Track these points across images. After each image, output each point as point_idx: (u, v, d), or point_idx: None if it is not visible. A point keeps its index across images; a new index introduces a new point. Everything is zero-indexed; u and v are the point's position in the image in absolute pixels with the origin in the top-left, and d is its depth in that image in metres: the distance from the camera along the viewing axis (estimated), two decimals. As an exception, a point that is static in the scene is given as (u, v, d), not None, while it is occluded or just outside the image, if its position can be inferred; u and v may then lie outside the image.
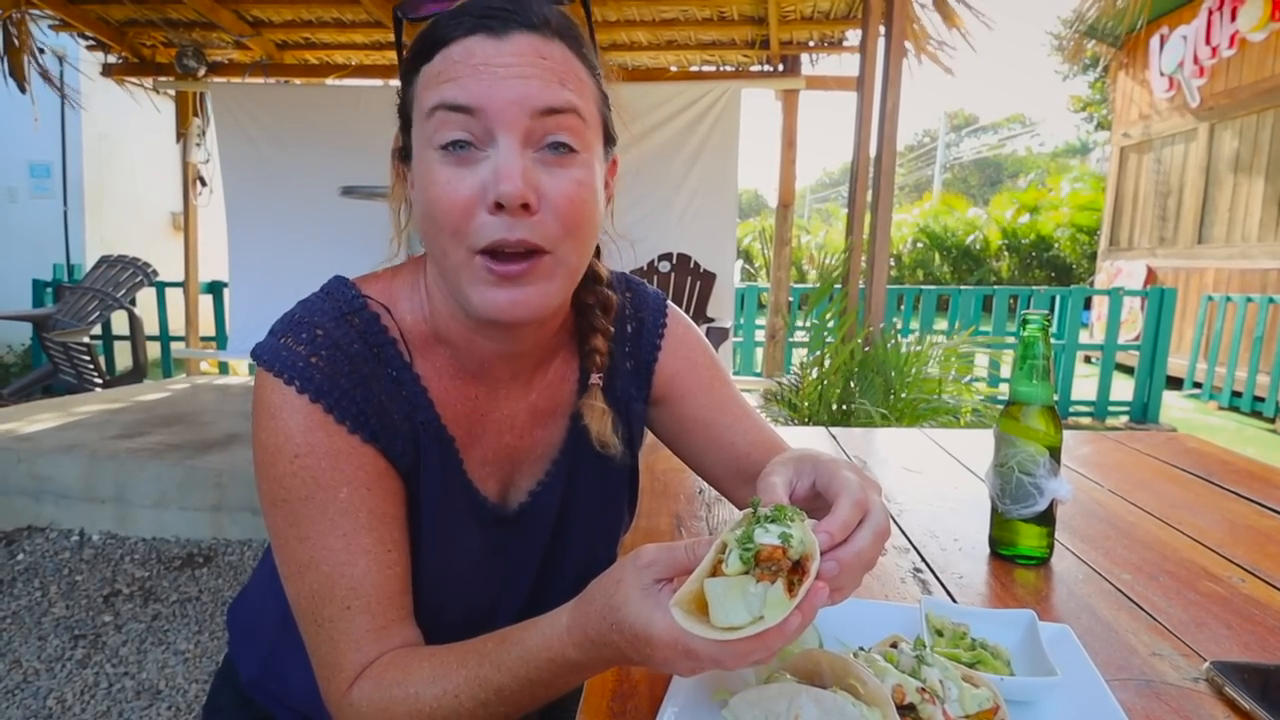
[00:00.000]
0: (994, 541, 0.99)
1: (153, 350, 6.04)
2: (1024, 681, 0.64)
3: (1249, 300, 6.16)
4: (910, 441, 1.60)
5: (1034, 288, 6.92)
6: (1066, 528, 1.08)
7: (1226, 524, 1.11)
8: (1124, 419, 5.77)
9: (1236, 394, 6.22)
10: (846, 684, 0.57)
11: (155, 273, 5.34)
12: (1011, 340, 5.62)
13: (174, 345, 6.06)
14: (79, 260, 6.77)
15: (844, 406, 3.40)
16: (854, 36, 4.78)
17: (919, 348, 3.65)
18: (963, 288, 6.22)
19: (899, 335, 3.84)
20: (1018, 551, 0.96)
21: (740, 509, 0.87)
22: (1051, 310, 6.24)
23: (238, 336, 5.44)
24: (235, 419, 3.86)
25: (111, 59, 5.52)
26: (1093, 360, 6.81)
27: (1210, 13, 7.03)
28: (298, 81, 5.72)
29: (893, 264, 15.37)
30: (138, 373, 5.26)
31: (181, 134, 5.56)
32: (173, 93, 5.56)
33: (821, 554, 0.52)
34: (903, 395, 3.35)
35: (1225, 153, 7.17)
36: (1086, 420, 5.77)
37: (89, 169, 7.08)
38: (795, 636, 0.50)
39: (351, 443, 0.68)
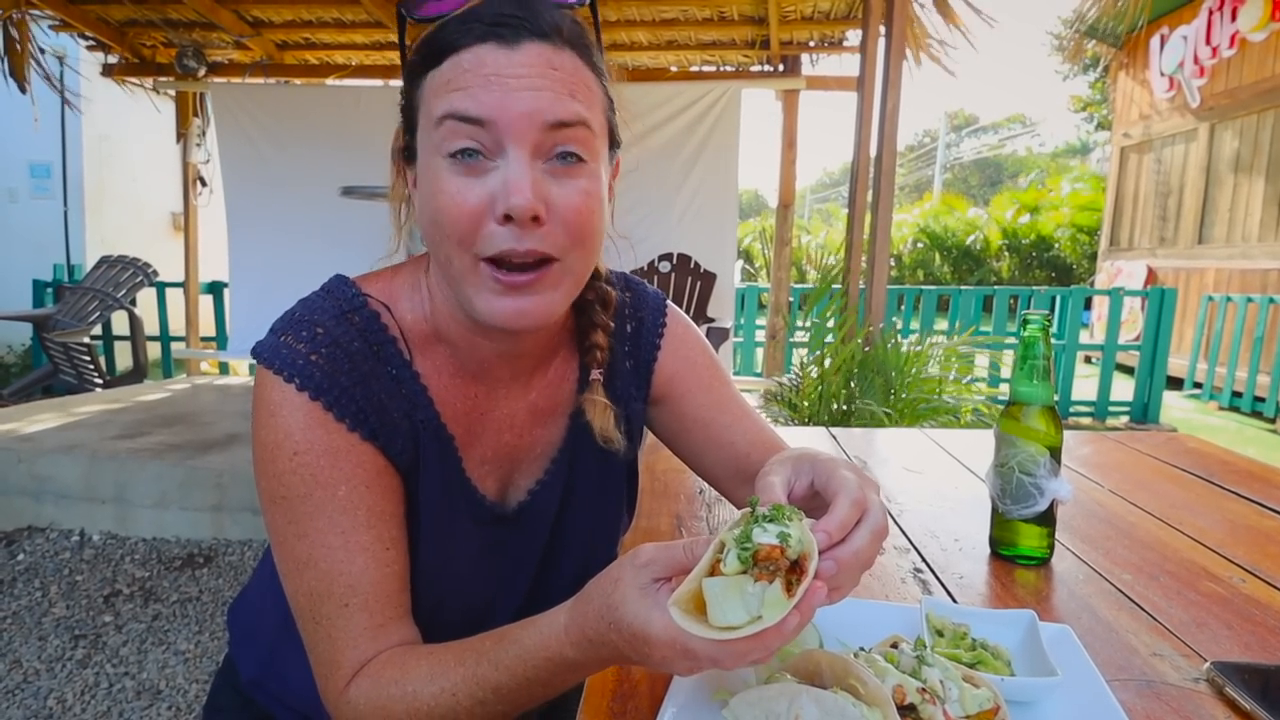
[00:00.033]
0: (994, 542, 0.99)
1: (153, 350, 6.04)
2: (1024, 682, 0.64)
3: (1249, 300, 6.16)
4: (910, 441, 1.60)
5: (1034, 288, 6.92)
6: (1067, 528, 1.08)
7: (1227, 524, 1.11)
8: (1124, 419, 5.77)
9: (1237, 394, 6.22)
10: (847, 684, 0.56)
11: (155, 273, 5.34)
12: (1012, 340, 5.62)
13: (174, 345, 6.07)
14: (79, 260, 6.78)
15: (844, 407, 3.40)
16: (854, 37, 4.78)
17: (919, 348, 3.65)
18: (963, 288, 6.22)
19: (899, 335, 3.84)
20: (1018, 552, 0.96)
21: (740, 509, 0.87)
22: (1052, 310, 6.24)
23: (238, 336, 5.45)
24: (235, 419, 3.86)
25: (112, 59, 5.52)
26: (1093, 360, 6.81)
27: (1210, 13, 7.03)
28: (298, 82, 5.72)
29: (893, 264, 15.40)
30: (138, 373, 5.26)
31: (181, 134, 5.57)
32: (173, 93, 5.57)
33: (819, 553, 0.52)
34: (903, 395, 3.35)
35: (1226, 153, 7.17)
36: (1087, 420, 5.77)
37: (89, 169, 7.08)
38: (793, 636, 0.50)
39: (350, 440, 0.68)
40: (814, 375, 3.57)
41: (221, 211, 5.41)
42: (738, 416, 0.87)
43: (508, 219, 0.62)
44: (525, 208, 0.61)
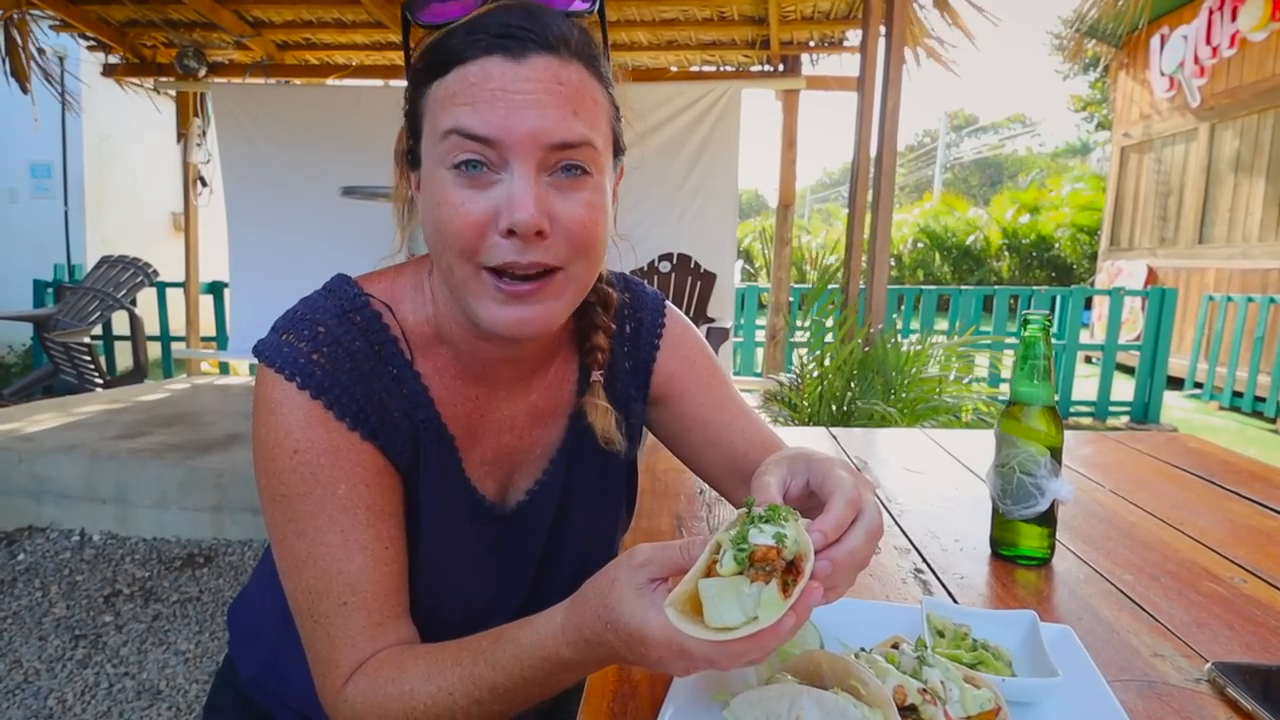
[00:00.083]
0: (995, 542, 0.99)
1: (153, 350, 6.05)
2: (1025, 682, 0.64)
3: (1250, 300, 6.16)
4: (911, 441, 1.60)
5: (1034, 288, 6.92)
6: (1068, 528, 1.08)
7: (1228, 524, 1.11)
8: (1125, 419, 5.77)
9: (1237, 394, 6.22)
10: (848, 685, 0.56)
11: (156, 273, 5.35)
12: (1012, 340, 5.62)
13: (174, 345, 6.07)
14: (80, 260, 6.78)
15: (844, 407, 3.40)
16: (854, 36, 4.78)
17: (919, 348, 3.65)
18: (963, 288, 6.22)
19: (899, 335, 3.84)
20: (1019, 552, 0.96)
21: (739, 508, 0.88)
22: (1052, 310, 6.24)
23: (238, 336, 5.45)
24: (236, 419, 3.86)
25: (112, 59, 5.52)
26: (1093, 360, 6.81)
27: (1211, 12, 7.03)
28: (298, 82, 5.72)
29: (893, 264, 15.39)
30: (138, 373, 5.27)
31: (182, 134, 5.57)
32: (173, 93, 5.57)
33: (815, 554, 0.52)
34: (903, 395, 3.35)
35: (1226, 152, 7.17)
36: (1087, 420, 5.76)
37: (90, 169, 7.09)
38: (789, 637, 0.50)
39: (351, 440, 0.68)
40: (814, 375, 3.57)
41: (222, 211, 5.41)
42: (736, 416, 0.88)
43: (511, 233, 0.62)
44: (529, 223, 0.61)
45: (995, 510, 0.98)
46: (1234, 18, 6.73)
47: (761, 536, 0.52)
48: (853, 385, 3.42)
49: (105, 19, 5.05)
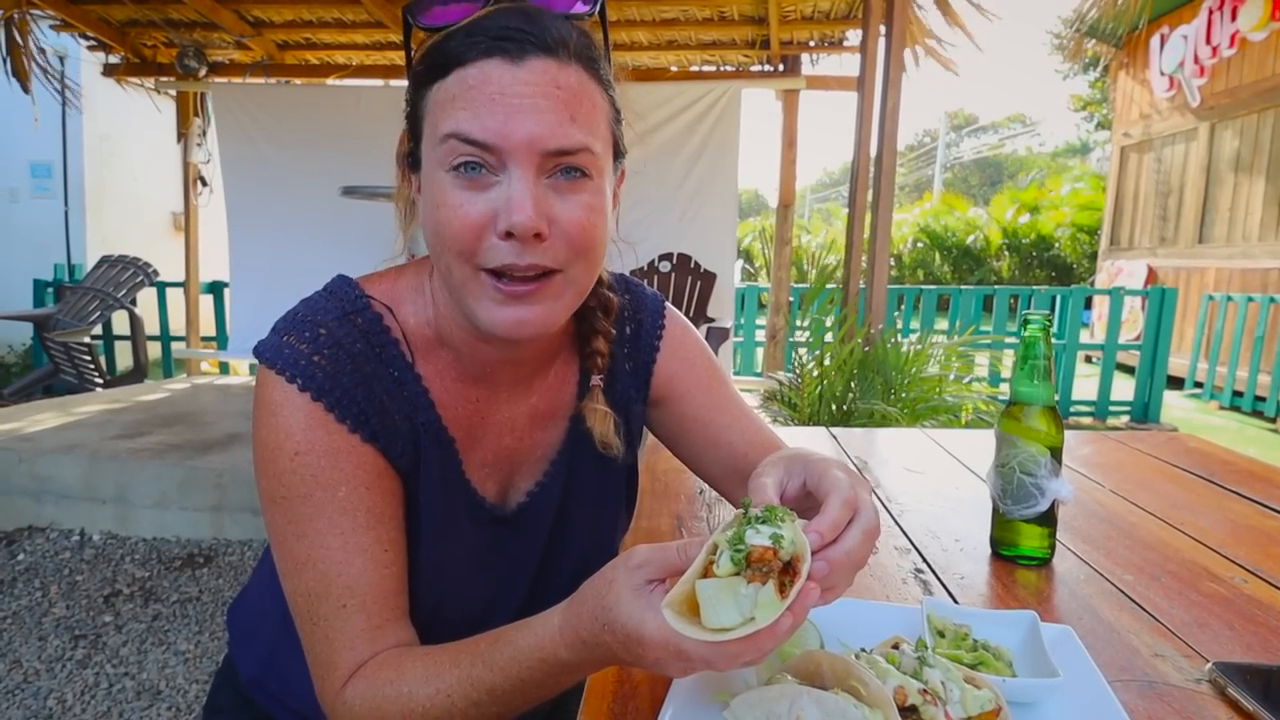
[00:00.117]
0: (995, 542, 0.99)
1: (153, 350, 6.05)
2: (1026, 683, 0.64)
3: (1250, 300, 6.15)
4: (911, 441, 1.60)
5: (1034, 287, 6.91)
6: (1068, 528, 1.07)
7: (1228, 524, 1.10)
8: (1125, 419, 5.77)
9: (1238, 394, 6.21)
10: (848, 685, 0.56)
11: (156, 273, 5.34)
12: (1012, 340, 5.62)
13: (175, 345, 6.07)
14: (80, 260, 6.78)
15: (844, 406, 3.40)
16: (854, 36, 4.78)
17: (919, 347, 3.65)
18: (963, 288, 6.22)
19: (899, 335, 3.84)
20: (1019, 552, 0.96)
21: (738, 509, 0.88)
22: (1052, 310, 6.24)
23: (238, 336, 5.45)
24: (236, 419, 3.86)
25: (113, 59, 5.52)
26: (1093, 360, 6.81)
27: (1211, 12, 7.03)
28: (298, 82, 5.72)
29: (893, 264, 15.39)
30: (138, 373, 5.27)
31: (182, 134, 5.57)
32: (173, 93, 5.57)
33: (812, 554, 0.52)
34: (903, 395, 3.35)
35: (1226, 152, 7.17)
36: (1087, 420, 5.76)
37: (90, 169, 7.08)
38: (786, 638, 0.50)
39: (351, 442, 0.68)
40: (814, 375, 3.57)
41: (222, 211, 5.41)
42: (736, 417, 0.88)
43: (509, 235, 0.62)
44: (527, 226, 0.61)
45: (995, 510, 0.98)
46: (1234, 17, 6.73)
47: (758, 537, 0.52)
48: (853, 385, 3.42)
49: (106, 19, 5.05)
